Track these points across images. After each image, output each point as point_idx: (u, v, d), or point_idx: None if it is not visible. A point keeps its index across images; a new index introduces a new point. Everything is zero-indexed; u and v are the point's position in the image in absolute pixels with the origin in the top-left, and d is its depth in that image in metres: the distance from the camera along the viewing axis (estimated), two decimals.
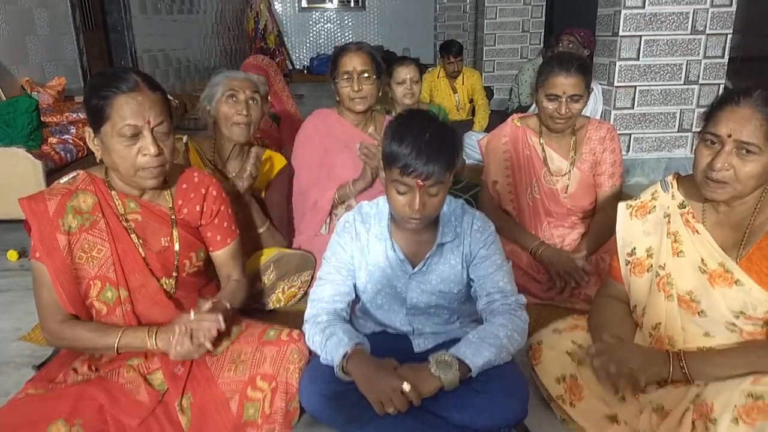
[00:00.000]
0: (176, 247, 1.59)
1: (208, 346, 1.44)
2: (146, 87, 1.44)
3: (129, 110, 1.40)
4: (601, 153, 2.32)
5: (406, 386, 1.34)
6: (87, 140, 1.49)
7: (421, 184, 1.40)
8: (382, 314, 1.67)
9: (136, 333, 1.49)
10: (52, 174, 3.25)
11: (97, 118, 1.42)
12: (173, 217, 1.60)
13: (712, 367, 1.35)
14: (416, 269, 1.58)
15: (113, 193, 1.54)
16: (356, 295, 1.68)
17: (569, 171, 2.33)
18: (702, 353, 1.41)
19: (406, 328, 1.66)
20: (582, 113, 2.38)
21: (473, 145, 4.15)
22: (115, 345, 1.47)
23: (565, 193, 2.35)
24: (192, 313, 1.46)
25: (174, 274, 1.61)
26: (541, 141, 2.35)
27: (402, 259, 1.58)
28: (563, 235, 2.41)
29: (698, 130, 1.42)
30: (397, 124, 1.46)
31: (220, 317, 1.46)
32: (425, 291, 1.60)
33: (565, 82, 2.13)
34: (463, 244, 1.59)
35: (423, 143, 1.38)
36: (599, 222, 2.32)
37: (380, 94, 2.45)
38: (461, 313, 1.69)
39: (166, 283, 1.60)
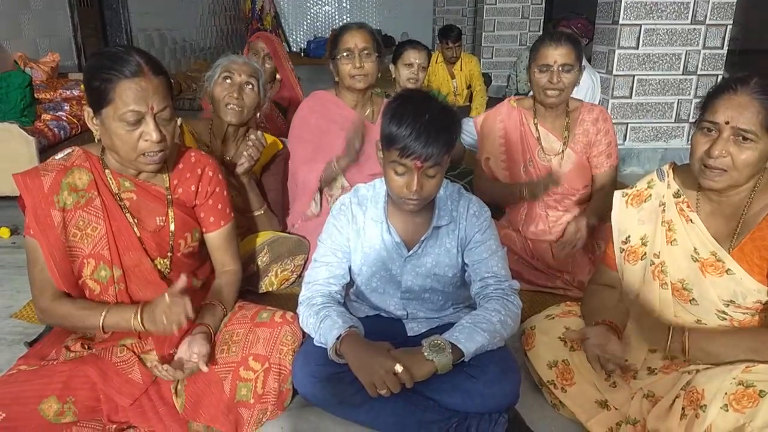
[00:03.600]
0: (171, 226, 1.58)
1: (183, 325, 1.42)
2: (150, 71, 1.40)
3: (132, 96, 1.37)
4: (594, 135, 2.36)
5: (399, 368, 1.35)
6: (86, 119, 1.46)
7: (420, 165, 1.40)
8: (376, 297, 1.67)
9: (121, 314, 1.47)
10: (45, 151, 3.23)
11: (98, 100, 1.39)
12: (169, 196, 1.59)
13: (714, 346, 1.36)
14: (411, 252, 1.58)
15: (107, 171, 1.52)
16: (351, 279, 1.68)
17: (562, 151, 2.37)
18: (706, 330, 1.42)
19: (400, 312, 1.66)
20: (579, 99, 2.43)
21: (469, 131, 4.14)
22: (101, 323, 1.46)
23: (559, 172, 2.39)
24: (166, 296, 1.42)
25: (169, 254, 1.60)
26: (535, 121, 2.39)
27: (398, 242, 1.58)
28: (557, 216, 2.42)
29: (695, 120, 1.43)
30: (396, 105, 1.44)
31: (189, 307, 1.42)
32: (420, 274, 1.60)
33: (555, 53, 2.19)
34: (458, 228, 1.59)
35: (422, 125, 1.37)
36: (600, 196, 2.37)
37: (379, 75, 2.43)
38: (455, 299, 1.69)
39: (160, 263, 1.59)
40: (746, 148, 1.31)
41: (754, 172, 1.35)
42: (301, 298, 1.62)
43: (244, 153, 2.14)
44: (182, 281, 1.45)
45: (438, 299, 1.66)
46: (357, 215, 1.62)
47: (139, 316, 1.46)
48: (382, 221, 1.59)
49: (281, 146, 2.45)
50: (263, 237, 2.24)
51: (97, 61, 1.41)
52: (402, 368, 1.35)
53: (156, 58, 1.46)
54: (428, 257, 1.60)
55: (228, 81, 2.17)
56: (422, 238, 1.57)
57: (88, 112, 1.44)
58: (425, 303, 1.66)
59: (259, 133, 2.19)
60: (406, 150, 1.38)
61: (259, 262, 2.20)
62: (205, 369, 1.43)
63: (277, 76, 3.40)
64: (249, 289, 2.18)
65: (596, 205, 2.34)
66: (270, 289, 2.26)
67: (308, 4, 12.79)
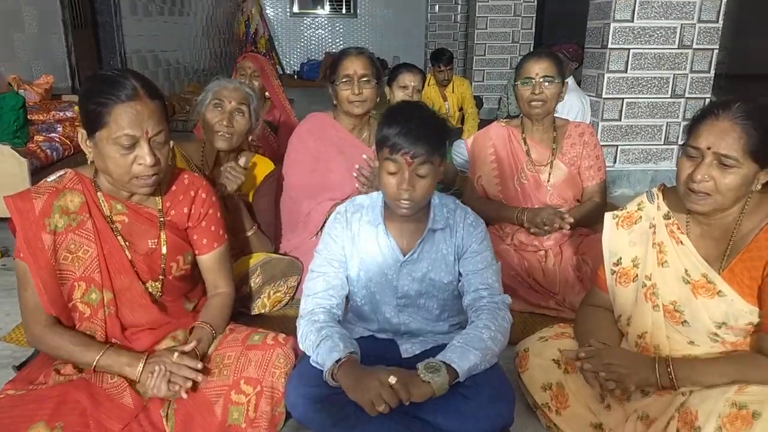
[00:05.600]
0: (163, 249, 1.58)
1: (183, 395, 1.44)
2: (146, 95, 1.41)
3: (127, 120, 1.37)
4: (582, 147, 2.45)
5: (393, 379, 1.34)
6: (79, 141, 1.46)
7: (410, 161, 1.46)
8: (373, 304, 1.66)
9: (116, 358, 1.47)
10: (37, 172, 3.22)
11: (92, 123, 1.39)
12: (162, 219, 1.59)
13: (699, 375, 1.37)
14: (407, 257, 1.60)
15: (99, 194, 1.52)
16: (347, 297, 1.67)
17: (551, 161, 2.44)
18: (689, 360, 1.43)
19: (395, 320, 1.66)
20: (566, 119, 2.55)
21: (461, 152, 4.17)
22: (94, 364, 1.46)
23: (548, 182, 2.44)
24: (175, 354, 1.46)
25: (160, 277, 1.59)
26: (523, 136, 2.48)
27: (393, 247, 1.60)
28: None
29: (683, 142, 1.45)
30: (390, 111, 1.56)
31: (199, 367, 1.47)
32: (416, 279, 1.62)
33: (536, 66, 2.34)
34: (455, 235, 1.61)
35: (412, 124, 1.47)
36: (587, 204, 2.45)
37: (378, 99, 2.46)
38: (451, 310, 1.69)
39: (152, 286, 1.58)
40: (729, 173, 1.33)
41: (738, 195, 1.37)
42: (301, 311, 1.61)
43: (226, 176, 2.14)
44: (191, 347, 1.51)
45: (433, 307, 1.66)
46: (352, 222, 1.64)
47: (139, 368, 1.46)
48: (379, 224, 1.61)
49: (272, 167, 2.46)
50: (256, 258, 2.24)
51: (93, 85, 1.42)
52: (396, 379, 1.34)
53: (152, 82, 1.47)
54: (424, 262, 1.61)
55: (218, 108, 2.18)
56: (418, 242, 1.59)
57: (82, 133, 1.44)
58: (420, 310, 1.66)
59: (232, 163, 2.19)
60: (396, 146, 1.46)
61: (252, 284, 2.19)
62: (184, 396, 1.43)
63: (266, 94, 3.43)
64: (242, 311, 2.17)
65: (580, 208, 2.42)
66: (263, 311, 2.24)
67: (302, 28, 12.92)
